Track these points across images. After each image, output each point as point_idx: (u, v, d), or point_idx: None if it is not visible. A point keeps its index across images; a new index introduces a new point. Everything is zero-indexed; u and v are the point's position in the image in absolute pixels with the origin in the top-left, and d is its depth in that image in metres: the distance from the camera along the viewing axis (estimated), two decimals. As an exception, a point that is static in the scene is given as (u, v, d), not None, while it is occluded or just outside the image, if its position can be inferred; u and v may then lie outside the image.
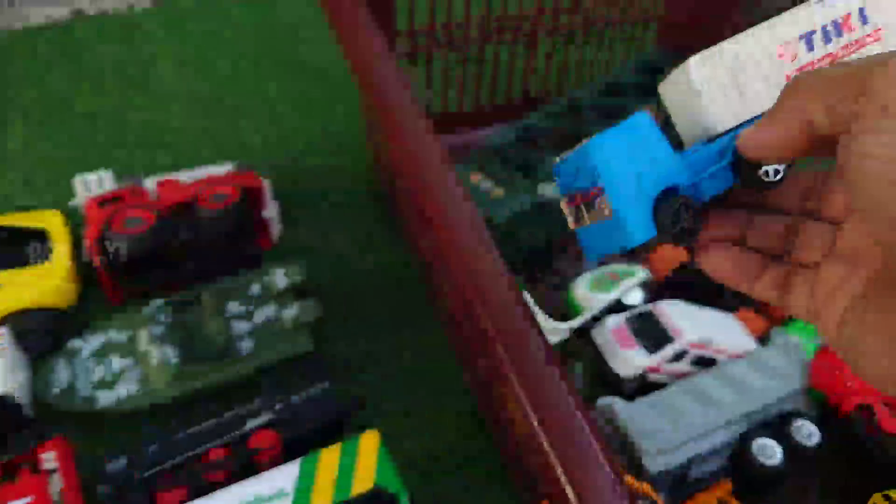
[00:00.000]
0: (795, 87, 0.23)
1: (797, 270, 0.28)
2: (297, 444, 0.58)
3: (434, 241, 0.41)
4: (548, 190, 0.67)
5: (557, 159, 0.31)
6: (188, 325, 0.63)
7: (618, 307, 0.65)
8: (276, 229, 0.74)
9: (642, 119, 0.28)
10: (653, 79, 0.84)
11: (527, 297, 0.67)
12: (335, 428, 0.60)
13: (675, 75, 0.30)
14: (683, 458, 0.54)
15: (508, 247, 0.67)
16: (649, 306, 0.61)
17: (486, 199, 0.67)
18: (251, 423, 0.58)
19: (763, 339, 0.64)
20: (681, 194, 0.28)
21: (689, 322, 0.58)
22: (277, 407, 0.58)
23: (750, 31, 0.30)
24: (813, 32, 0.30)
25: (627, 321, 0.61)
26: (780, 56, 0.29)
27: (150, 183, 0.70)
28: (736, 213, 0.30)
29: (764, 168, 0.28)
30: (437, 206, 0.40)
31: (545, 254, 0.72)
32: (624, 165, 0.28)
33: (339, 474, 0.52)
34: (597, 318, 0.64)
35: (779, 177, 0.28)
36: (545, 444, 0.36)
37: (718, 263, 0.30)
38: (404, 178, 0.43)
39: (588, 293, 0.65)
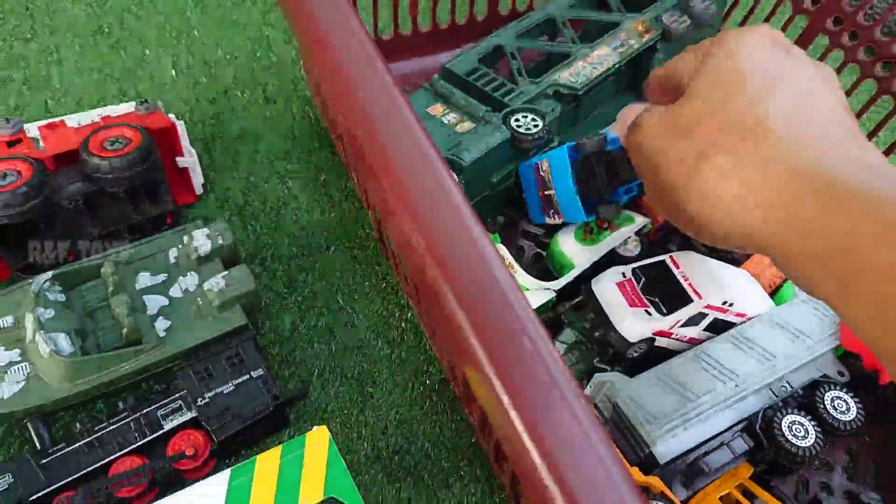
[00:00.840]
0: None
1: None
2: (228, 445, 0.47)
3: (379, 189, 0.30)
4: (523, 122, 0.55)
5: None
6: (86, 305, 0.51)
7: (610, 261, 0.55)
8: (197, 180, 0.61)
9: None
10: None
11: (503, 251, 0.57)
12: (274, 422, 0.49)
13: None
14: (697, 440, 0.45)
15: (479, 192, 0.56)
16: (664, 257, 0.51)
17: (451, 135, 0.55)
18: (170, 423, 0.47)
19: (774, 294, 0.54)
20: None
21: (710, 280, 0.48)
22: (201, 400, 0.47)
23: None
24: None
25: (635, 274, 0.50)
26: None
27: (33, 129, 0.56)
28: None
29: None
30: (380, 147, 0.28)
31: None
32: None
33: (280, 485, 0.42)
34: (587, 276, 0.53)
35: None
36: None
37: None
38: (338, 111, 0.31)
39: (577, 245, 0.55)
